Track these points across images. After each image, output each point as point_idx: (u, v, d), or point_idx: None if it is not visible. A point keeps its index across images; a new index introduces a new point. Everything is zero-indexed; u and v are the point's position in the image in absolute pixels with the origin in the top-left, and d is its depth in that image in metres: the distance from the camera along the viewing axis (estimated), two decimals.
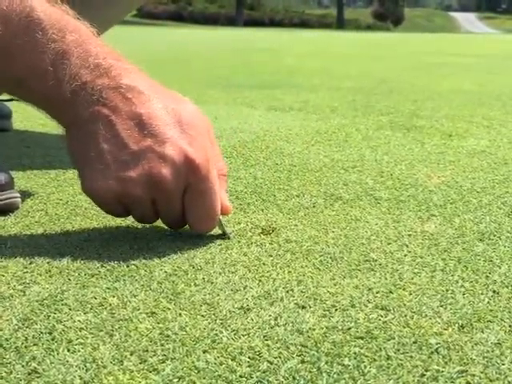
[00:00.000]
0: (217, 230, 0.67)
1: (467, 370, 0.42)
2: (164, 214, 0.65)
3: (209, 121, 0.67)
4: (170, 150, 0.61)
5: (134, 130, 0.61)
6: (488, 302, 0.52)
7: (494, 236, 0.68)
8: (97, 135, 0.61)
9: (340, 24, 33.85)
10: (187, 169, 0.61)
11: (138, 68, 0.65)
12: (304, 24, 30.85)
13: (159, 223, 0.68)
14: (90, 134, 0.62)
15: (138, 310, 0.50)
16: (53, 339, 0.45)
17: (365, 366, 0.42)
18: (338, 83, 2.43)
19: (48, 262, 0.59)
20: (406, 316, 0.49)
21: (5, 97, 1.23)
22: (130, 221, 0.71)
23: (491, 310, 0.50)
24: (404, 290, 0.54)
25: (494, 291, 0.54)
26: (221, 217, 0.66)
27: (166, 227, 0.68)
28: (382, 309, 0.50)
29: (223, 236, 0.67)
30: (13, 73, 0.61)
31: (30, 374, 0.41)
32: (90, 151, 0.62)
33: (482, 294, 0.54)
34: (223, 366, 0.42)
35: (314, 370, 0.42)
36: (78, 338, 0.45)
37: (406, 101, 1.87)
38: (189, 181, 0.62)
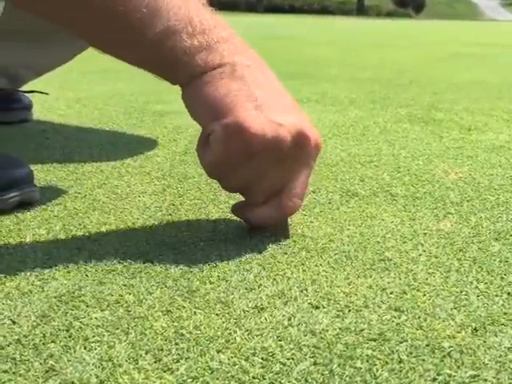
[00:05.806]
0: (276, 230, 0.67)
1: (479, 375, 0.42)
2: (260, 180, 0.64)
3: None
4: (311, 128, 0.64)
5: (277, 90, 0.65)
6: (502, 305, 0.52)
7: (511, 236, 0.68)
8: (245, 79, 0.62)
9: (360, 10, 33.58)
10: (316, 152, 0.65)
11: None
12: (324, 10, 30.62)
13: (177, 219, 0.69)
14: (238, 78, 0.62)
15: (154, 307, 0.50)
16: (70, 336, 0.46)
17: (377, 369, 0.42)
18: (356, 73, 2.41)
19: (66, 258, 0.60)
20: (419, 318, 0.49)
21: (25, 88, 1.24)
22: (146, 215, 0.72)
23: (505, 313, 0.50)
24: (418, 290, 0.54)
25: (509, 293, 0.54)
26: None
27: (181, 222, 0.69)
28: (395, 310, 0.51)
29: (284, 234, 0.67)
30: (157, 30, 0.61)
31: (47, 371, 0.41)
32: (236, 92, 0.61)
33: (496, 295, 0.54)
34: (236, 366, 0.42)
35: (327, 372, 0.42)
36: (94, 336, 0.46)
37: (425, 93, 1.86)
38: (310, 163, 0.65)
